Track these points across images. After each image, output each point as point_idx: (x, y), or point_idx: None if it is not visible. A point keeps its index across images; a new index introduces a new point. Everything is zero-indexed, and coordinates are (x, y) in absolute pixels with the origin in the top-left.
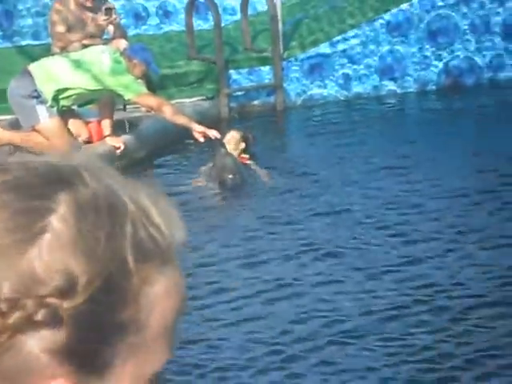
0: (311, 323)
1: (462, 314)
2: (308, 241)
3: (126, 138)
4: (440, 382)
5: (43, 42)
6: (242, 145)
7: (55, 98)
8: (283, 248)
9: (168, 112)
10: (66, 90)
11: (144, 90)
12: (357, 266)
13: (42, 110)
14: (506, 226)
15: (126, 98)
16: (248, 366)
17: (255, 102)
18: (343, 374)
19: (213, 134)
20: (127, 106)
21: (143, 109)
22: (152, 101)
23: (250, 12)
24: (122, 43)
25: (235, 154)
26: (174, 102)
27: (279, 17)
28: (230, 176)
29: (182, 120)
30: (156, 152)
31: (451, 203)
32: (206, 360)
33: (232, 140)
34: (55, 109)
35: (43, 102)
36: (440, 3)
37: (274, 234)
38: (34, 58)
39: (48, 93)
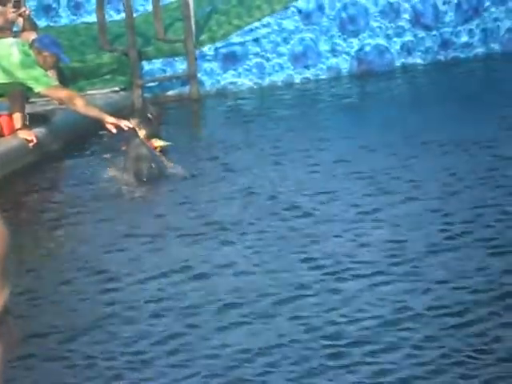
0: (213, 306)
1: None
2: (216, 223)
3: (38, 131)
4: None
5: None
6: (142, 132)
7: None
8: (190, 231)
9: (79, 104)
10: None
11: (54, 82)
12: (262, 247)
13: None
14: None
15: (36, 90)
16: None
17: (169, 93)
18: (240, 354)
19: (125, 124)
20: (39, 99)
21: (56, 102)
22: (62, 93)
23: (161, 2)
24: (32, 35)
25: None
26: (85, 94)
27: (191, 6)
28: (146, 165)
29: (93, 112)
30: (69, 145)
31: (360, 185)
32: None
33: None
34: None
35: None
36: None
37: (183, 216)
38: None
39: None
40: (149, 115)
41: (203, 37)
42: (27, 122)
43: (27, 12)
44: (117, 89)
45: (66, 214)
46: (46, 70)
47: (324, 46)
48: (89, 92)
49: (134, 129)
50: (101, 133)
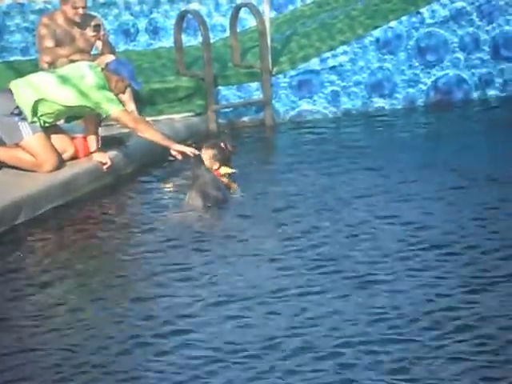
0: None
1: None
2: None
3: (112, 153)
4: None
5: (32, 57)
6: (216, 164)
7: (36, 114)
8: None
9: (145, 130)
10: (49, 105)
11: (123, 107)
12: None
13: (24, 127)
14: None
15: (105, 114)
16: None
17: (244, 118)
18: None
19: (191, 151)
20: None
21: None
22: (130, 118)
23: (239, 29)
24: (110, 59)
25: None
26: (164, 117)
27: (268, 32)
28: (210, 192)
29: (159, 138)
30: (142, 168)
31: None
32: None
33: (206, 158)
34: (38, 125)
35: (25, 119)
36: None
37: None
38: (22, 74)
39: (27, 107)
40: (222, 144)
41: (280, 63)
42: (100, 145)
43: (106, 36)
44: (192, 114)
45: (130, 236)
46: (116, 95)
47: (401, 76)
48: (165, 116)
49: (199, 156)
50: (171, 158)
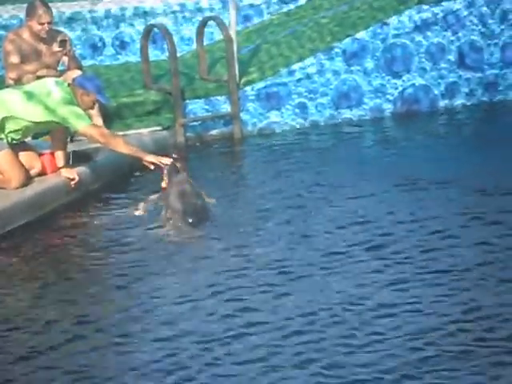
0: None
1: None
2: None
3: (80, 169)
4: None
5: None
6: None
7: (3, 131)
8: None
9: (116, 143)
10: (16, 121)
11: (91, 121)
12: None
13: None
14: None
15: (74, 129)
16: None
17: (213, 132)
18: None
19: (164, 161)
20: (78, 138)
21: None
22: (100, 132)
23: (206, 42)
24: (76, 74)
25: None
26: (132, 131)
27: (235, 45)
28: (191, 202)
29: (131, 150)
30: (109, 184)
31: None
32: None
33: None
34: (5, 141)
35: None
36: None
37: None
38: None
39: None
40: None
41: (248, 74)
42: (70, 161)
43: (72, 51)
44: (160, 128)
45: (92, 256)
46: (84, 110)
47: (367, 87)
48: (134, 131)
49: (174, 165)
50: (139, 173)
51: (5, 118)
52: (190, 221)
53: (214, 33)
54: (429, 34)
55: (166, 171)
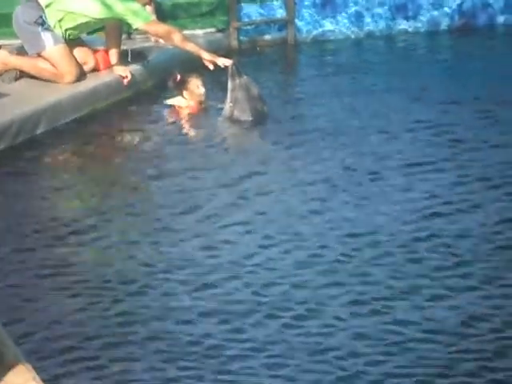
0: None
1: None
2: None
3: (132, 67)
4: None
5: None
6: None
7: (61, 25)
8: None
9: (177, 39)
10: (74, 17)
11: (152, 17)
12: None
13: (47, 37)
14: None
15: (135, 26)
16: None
17: (266, 37)
18: None
19: (223, 62)
20: (134, 36)
21: (152, 39)
22: (161, 28)
23: None
24: None
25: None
26: (186, 32)
27: None
28: (258, 105)
29: (191, 47)
30: (162, 82)
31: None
32: None
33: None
34: (61, 36)
35: (49, 29)
36: None
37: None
38: None
39: (53, 18)
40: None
41: None
42: (130, 58)
43: None
44: (213, 30)
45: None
46: (143, 6)
47: None
48: (188, 31)
49: (236, 66)
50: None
51: (64, 15)
52: (256, 122)
53: None
54: None
55: (230, 70)
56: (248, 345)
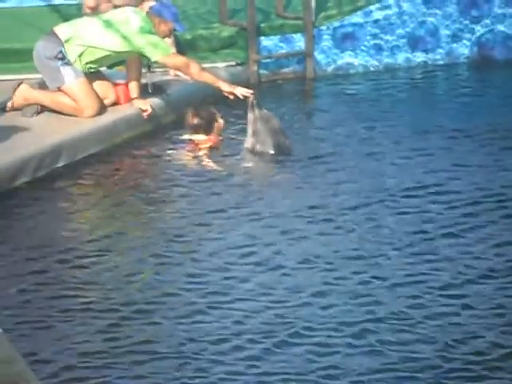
0: None
1: None
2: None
3: (153, 101)
4: None
5: (75, 1)
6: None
7: (81, 59)
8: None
9: (195, 72)
10: (93, 51)
11: (172, 49)
12: None
13: (67, 72)
14: None
15: (154, 58)
16: None
17: (285, 70)
18: None
19: (241, 92)
20: (154, 69)
21: (171, 72)
22: (179, 61)
23: None
24: (153, 2)
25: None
26: (206, 65)
27: None
28: (281, 139)
29: (209, 79)
30: (182, 116)
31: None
32: None
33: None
34: (81, 70)
35: (69, 64)
36: None
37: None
38: (65, 18)
39: (73, 53)
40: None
41: (322, 15)
42: (151, 91)
43: None
44: (233, 63)
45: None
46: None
47: (445, 31)
48: (208, 64)
49: (257, 98)
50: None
51: (84, 49)
52: (279, 156)
53: None
54: None
55: (250, 103)
56: None
